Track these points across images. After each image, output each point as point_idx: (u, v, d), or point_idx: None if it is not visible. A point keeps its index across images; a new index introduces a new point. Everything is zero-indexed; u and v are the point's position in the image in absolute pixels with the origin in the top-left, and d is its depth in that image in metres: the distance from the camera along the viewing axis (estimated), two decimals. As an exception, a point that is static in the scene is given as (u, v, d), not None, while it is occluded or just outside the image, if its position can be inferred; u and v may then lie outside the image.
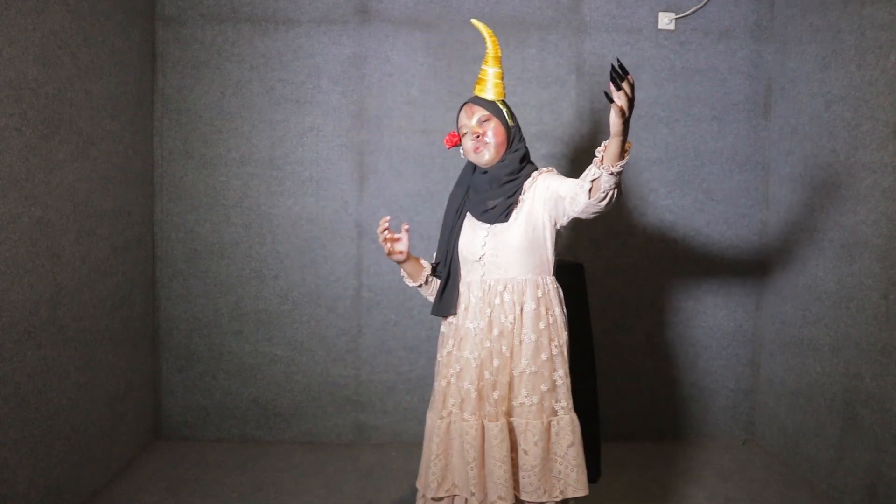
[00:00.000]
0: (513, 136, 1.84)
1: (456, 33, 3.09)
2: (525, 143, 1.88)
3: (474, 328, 1.79)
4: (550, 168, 1.89)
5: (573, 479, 1.76)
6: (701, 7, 3.11)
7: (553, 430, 1.77)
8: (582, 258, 3.13)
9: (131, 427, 2.88)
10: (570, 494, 1.77)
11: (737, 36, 3.14)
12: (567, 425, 1.77)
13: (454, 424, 1.77)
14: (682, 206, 3.18)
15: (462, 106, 1.86)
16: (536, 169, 1.87)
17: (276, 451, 3.04)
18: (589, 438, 2.73)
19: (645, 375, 3.22)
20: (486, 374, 1.76)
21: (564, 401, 1.79)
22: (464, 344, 1.80)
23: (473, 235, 1.84)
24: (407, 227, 1.85)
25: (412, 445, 3.05)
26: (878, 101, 2.40)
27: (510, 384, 1.77)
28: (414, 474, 2.73)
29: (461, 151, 1.89)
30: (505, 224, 1.80)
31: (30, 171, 2.12)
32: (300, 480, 2.74)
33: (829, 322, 2.67)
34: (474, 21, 1.92)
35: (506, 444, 1.72)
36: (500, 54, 1.88)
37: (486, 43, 1.86)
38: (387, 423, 3.17)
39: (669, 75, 3.13)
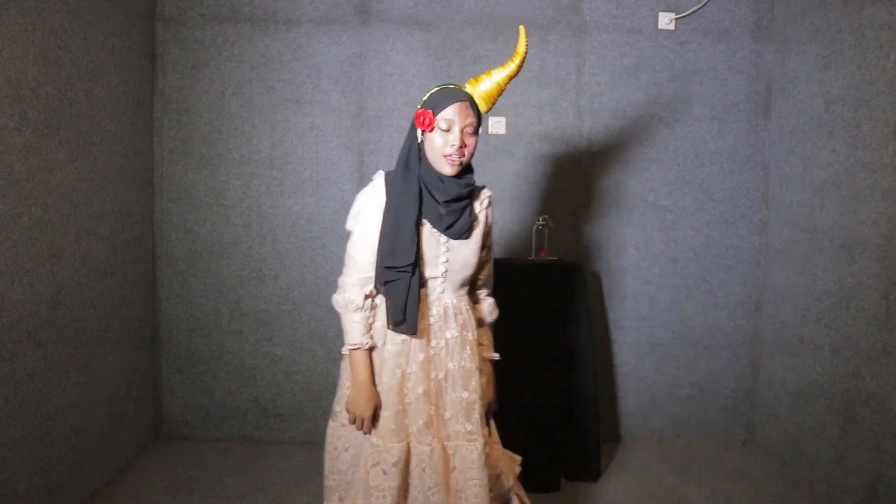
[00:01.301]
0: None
1: (456, 33, 3.09)
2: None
3: (433, 346, 1.68)
4: (489, 192, 1.78)
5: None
6: (701, 7, 3.11)
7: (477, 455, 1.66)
8: (582, 258, 3.13)
9: (131, 427, 2.88)
10: None
11: (737, 36, 3.14)
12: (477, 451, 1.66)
13: (416, 448, 1.65)
14: (682, 206, 3.18)
15: (457, 98, 1.60)
16: (477, 186, 1.74)
17: (276, 451, 3.04)
18: (589, 438, 2.74)
19: (645, 375, 3.22)
20: (444, 396, 1.68)
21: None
22: (424, 364, 1.68)
23: (437, 248, 1.67)
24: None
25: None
26: (878, 101, 2.40)
27: (450, 409, 1.68)
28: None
29: (418, 134, 1.64)
30: (463, 241, 1.68)
31: (30, 171, 2.12)
32: (300, 480, 2.73)
33: (829, 322, 2.67)
34: (522, 28, 1.71)
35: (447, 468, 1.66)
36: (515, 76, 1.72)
37: (515, 56, 1.68)
38: (387, 423, 3.17)
39: (669, 75, 3.13)
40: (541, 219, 2.90)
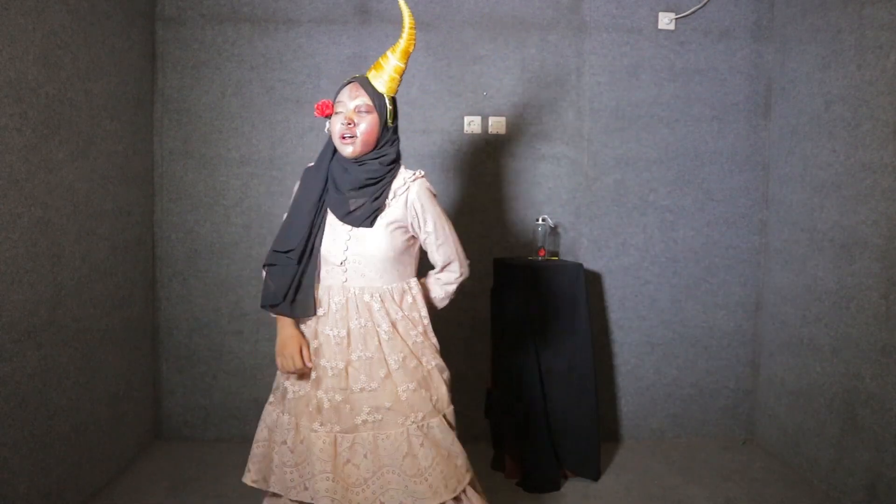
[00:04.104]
0: (385, 138, 1.71)
1: (456, 33, 3.09)
2: (397, 146, 1.75)
3: (334, 336, 1.67)
4: (421, 174, 1.75)
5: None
6: (701, 7, 3.11)
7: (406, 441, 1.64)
8: (582, 258, 3.13)
9: (131, 427, 2.88)
10: None
11: (737, 36, 3.14)
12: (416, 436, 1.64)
13: (300, 434, 1.66)
14: (682, 206, 3.18)
15: (348, 81, 1.70)
16: (405, 170, 1.75)
17: (276, 451, 3.04)
18: (589, 438, 2.74)
19: (645, 375, 3.22)
20: (345, 386, 1.66)
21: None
22: (322, 351, 1.68)
23: (335, 236, 1.69)
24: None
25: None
26: (878, 101, 2.41)
27: (351, 400, 1.66)
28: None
29: (326, 126, 1.73)
30: (369, 229, 1.67)
31: (30, 171, 2.12)
32: (300, 480, 2.73)
33: (829, 322, 2.67)
34: (401, 1, 1.73)
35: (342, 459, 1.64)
36: (411, 50, 1.73)
37: (402, 31, 1.71)
38: (387, 423, 3.17)
39: (669, 75, 3.13)
40: (541, 219, 2.90)
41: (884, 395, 2.35)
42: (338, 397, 1.65)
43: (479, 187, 3.12)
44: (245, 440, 3.16)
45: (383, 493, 1.61)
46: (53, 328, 2.26)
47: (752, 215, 3.20)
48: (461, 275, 1.85)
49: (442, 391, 1.73)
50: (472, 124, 3.11)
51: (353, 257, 1.67)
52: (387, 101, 1.70)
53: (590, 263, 3.13)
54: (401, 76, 1.72)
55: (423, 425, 1.65)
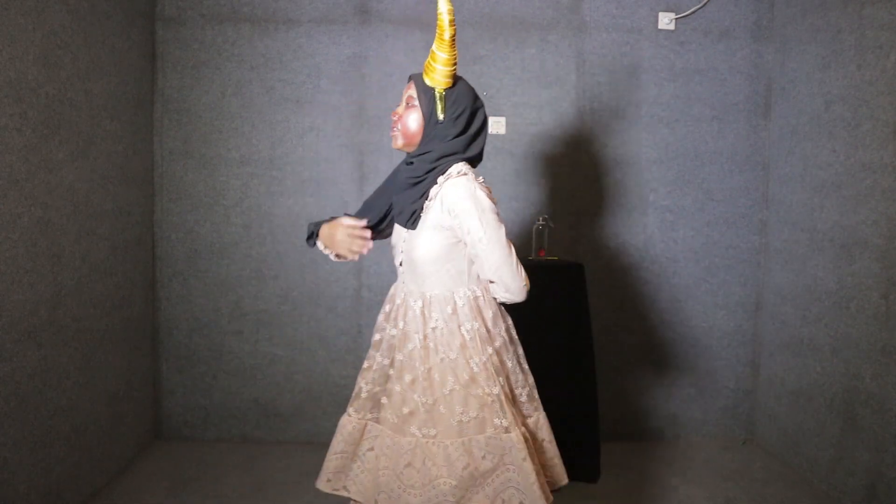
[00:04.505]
0: (432, 134, 1.60)
1: (456, 33, 3.09)
2: (453, 144, 1.60)
3: (389, 336, 1.67)
4: (462, 172, 1.59)
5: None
6: (701, 7, 3.11)
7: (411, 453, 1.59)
8: (582, 258, 3.13)
9: (131, 427, 2.88)
10: None
11: (737, 36, 3.14)
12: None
13: (350, 423, 1.70)
14: (682, 206, 3.18)
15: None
16: (456, 167, 1.61)
17: (276, 451, 3.04)
18: (589, 438, 2.74)
19: (645, 375, 3.22)
20: (383, 382, 1.67)
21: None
22: (381, 345, 1.70)
23: (398, 237, 1.69)
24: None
25: (412, 445, 3.05)
26: (878, 101, 2.40)
27: (386, 395, 1.65)
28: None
29: None
30: (414, 231, 1.61)
31: (30, 171, 2.12)
32: (300, 480, 2.73)
33: (829, 322, 2.67)
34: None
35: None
36: (446, 36, 1.57)
37: (442, 24, 1.56)
38: (387, 423, 3.17)
39: (669, 75, 3.13)
40: (541, 219, 2.90)
41: (884, 395, 2.35)
42: (376, 389, 1.69)
43: (479, 187, 3.12)
44: (245, 440, 3.17)
45: (378, 493, 1.60)
46: (53, 328, 2.26)
47: (752, 215, 3.20)
48: (504, 299, 1.63)
49: (459, 417, 1.56)
50: (472, 124, 3.10)
51: (406, 259, 1.65)
52: (436, 95, 1.60)
53: (590, 263, 3.13)
54: (448, 66, 1.57)
55: (429, 442, 1.56)
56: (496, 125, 3.11)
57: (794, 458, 2.89)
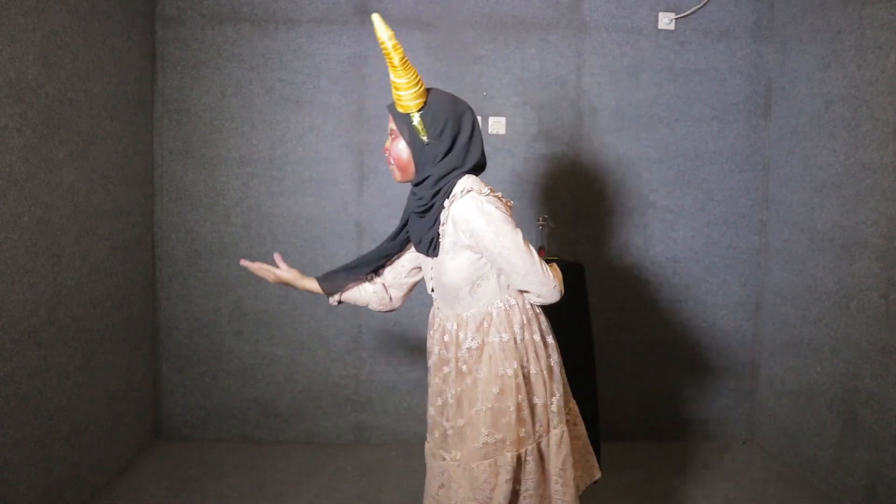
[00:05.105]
0: (423, 159, 1.56)
1: (456, 33, 3.09)
2: (446, 163, 1.55)
3: (433, 360, 1.71)
4: (467, 190, 1.52)
5: None
6: (701, 7, 3.11)
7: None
8: (582, 258, 3.13)
9: (131, 427, 2.88)
10: None
11: (737, 36, 3.14)
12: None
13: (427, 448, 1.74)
14: (682, 206, 3.18)
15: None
16: (460, 183, 1.55)
17: (276, 451, 3.04)
18: (589, 438, 2.74)
19: (645, 375, 3.22)
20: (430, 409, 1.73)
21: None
22: (430, 370, 1.74)
23: (427, 266, 1.69)
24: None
25: (412, 445, 3.05)
26: (878, 101, 2.41)
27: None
28: (412, 474, 2.73)
29: None
30: (437, 259, 1.61)
31: (30, 171, 2.12)
32: (300, 480, 2.73)
33: (829, 322, 2.67)
34: (375, 17, 1.51)
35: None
36: (396, 62, 1.49)
37: (388, 51, 1.49)
38: (387, 423, 3.17)
39: (669, 75, 3.13)
40: (541, 219, 2.90)
41: (884, 395, 2.35)
42: (431, 412, 1.73)
43: (479, 187, 3.12)
44: (245, 440, 3.17)
45: None
46: (53, 328, 2.26)
47: (752, 215, 3.20)
48: (540, 302, 1.62)
49: (485, 439, 1.55)
50: (472, 124, 3.10)
51: (436, 285, 1.65)
52: (412, 119, 1.55)
53: (590, 263, 3.12)
54: (410, 88, 1.52)
55: (456, 465, 1.58)
56: (496, 125, 3.11)
57: (794, 458, 2.89)
